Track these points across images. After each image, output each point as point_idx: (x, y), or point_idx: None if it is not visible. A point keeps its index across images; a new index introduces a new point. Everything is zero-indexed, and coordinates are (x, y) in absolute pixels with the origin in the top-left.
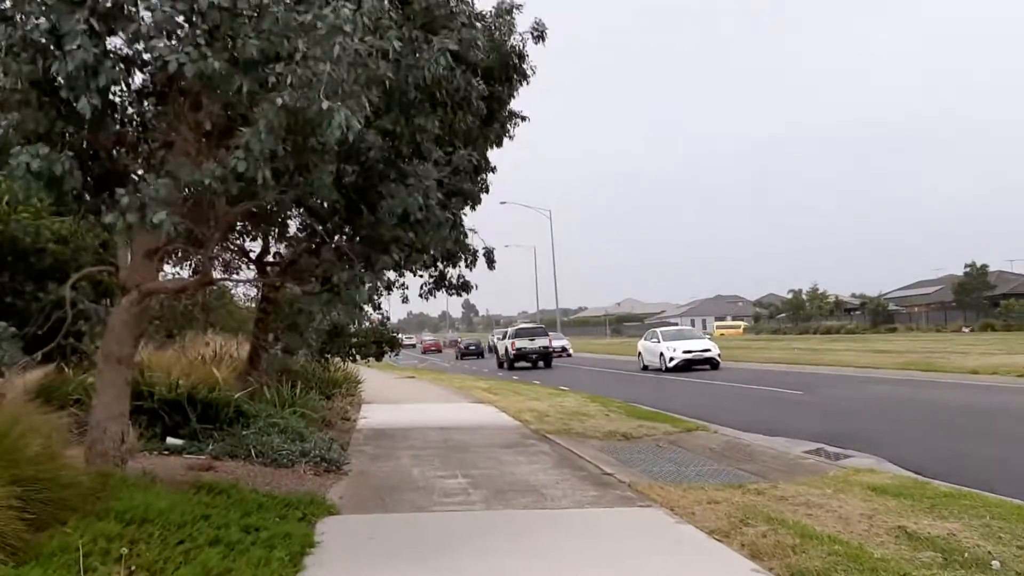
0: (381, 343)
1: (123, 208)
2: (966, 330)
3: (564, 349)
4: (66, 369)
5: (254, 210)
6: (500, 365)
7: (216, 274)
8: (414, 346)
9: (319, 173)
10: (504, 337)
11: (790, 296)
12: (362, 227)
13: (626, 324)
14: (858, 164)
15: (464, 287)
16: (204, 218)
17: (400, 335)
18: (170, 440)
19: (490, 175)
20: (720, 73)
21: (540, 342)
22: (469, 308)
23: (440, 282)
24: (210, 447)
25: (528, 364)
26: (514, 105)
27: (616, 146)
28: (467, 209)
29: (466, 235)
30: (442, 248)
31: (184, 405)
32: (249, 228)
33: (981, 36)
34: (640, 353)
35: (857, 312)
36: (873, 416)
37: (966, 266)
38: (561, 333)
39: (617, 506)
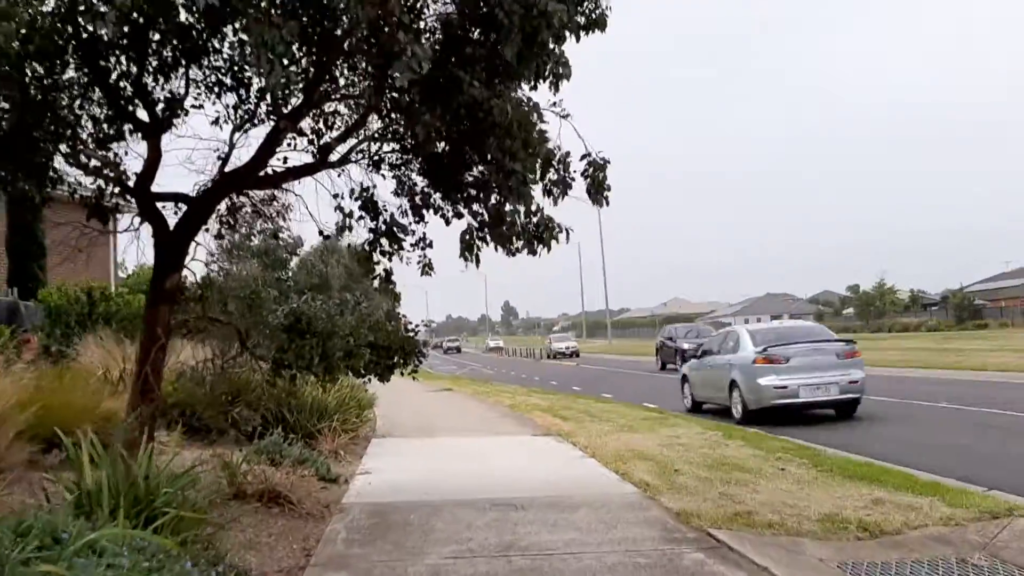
0: (390, 349)
1: None
2: None
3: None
4: None
5: None
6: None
7: None
8: (458, 350)
9: None
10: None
11: (848, 292)
12: None
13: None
14: (896, 162)
15: (545, 236)
16: None
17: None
18: None
19: None
20: (763, 71)
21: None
22: (509, 311)
23: (495, 225)
24: None
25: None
26: None
27: (655, 146)
28: None
29: None
30: None
31: None
32: None
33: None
34: None
35: (935, 307)
36: None
37: None
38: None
39: None
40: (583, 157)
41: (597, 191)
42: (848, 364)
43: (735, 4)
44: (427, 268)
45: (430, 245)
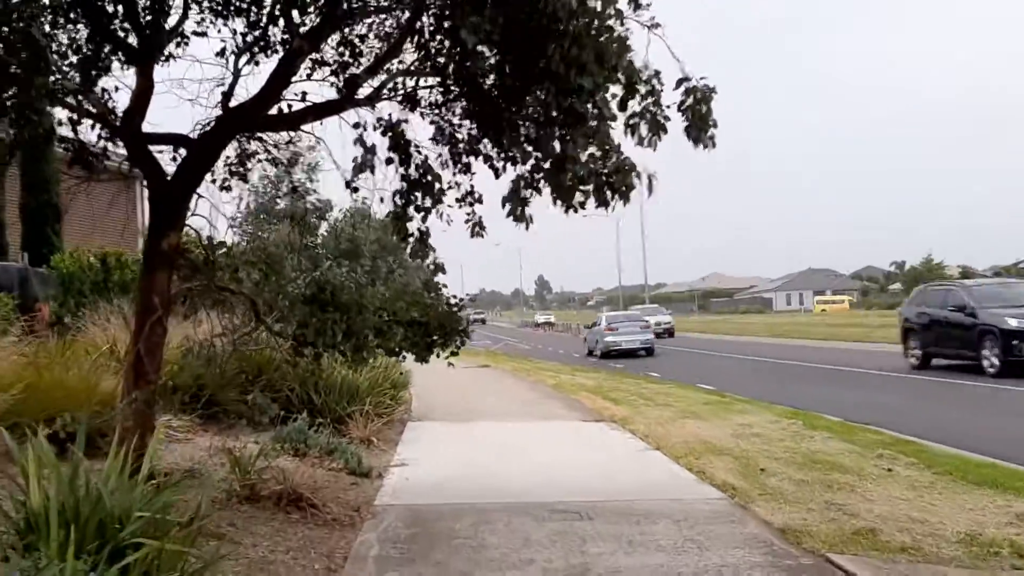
0: (428, 326)
1: None
2: None
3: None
4: None
5: None
6: None
7: None
8: (483, 322)
9: None
10: None
11: (892, 268)
12: None
13: (714, 300)
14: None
15: (625, 183)
16: None
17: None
18: None
19: None
20: (810, 46)
21: None
22: (542, 285)
23: (557, 171)
24: None
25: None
26: None
27: None
28: None
29: None
30: None
31: None
32: None
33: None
34: None
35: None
36: None
37: None
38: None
39: None
40: (679, 84)
41: (699, 128)
42: (646, 331)
43: None
44: (477, 228)
45: (479, 200)
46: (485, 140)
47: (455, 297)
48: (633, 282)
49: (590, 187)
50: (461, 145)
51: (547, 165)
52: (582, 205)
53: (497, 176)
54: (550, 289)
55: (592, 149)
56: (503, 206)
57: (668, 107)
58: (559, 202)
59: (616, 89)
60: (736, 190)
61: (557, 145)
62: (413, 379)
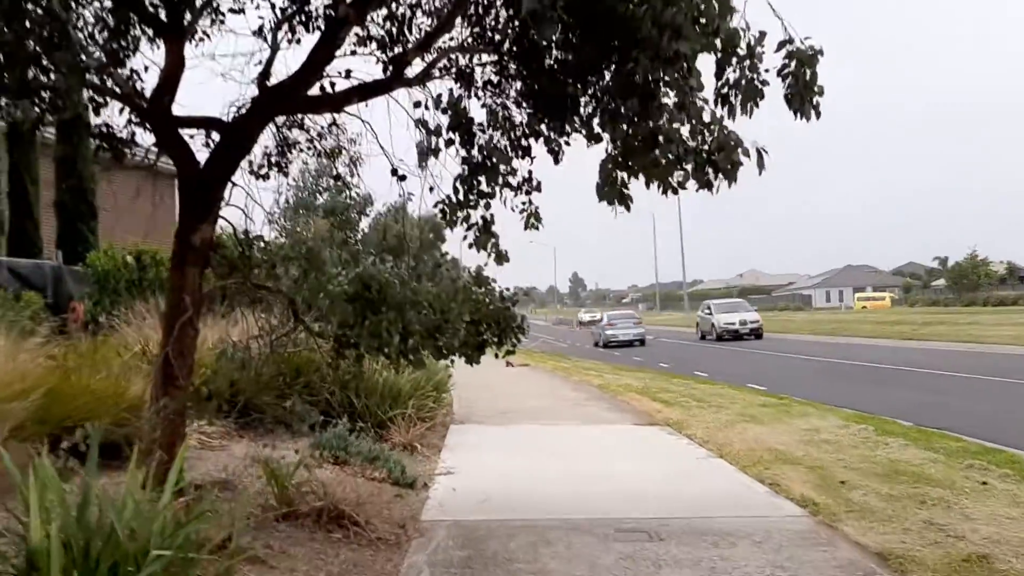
0: (479, 323)
1: None
2: None
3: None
4: None
5: None
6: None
7: None
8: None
9: None
10: None
11: (935, 264)
12: None
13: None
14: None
15: (729, 161)
16: None
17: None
18: None
19: None
20: (854, 41)
21: None
22: (577, 282)
23: (646, 149)
24: None
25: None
26: None
27: None
28: None
29: None
30: None
31: None
32: None
33: None
34: None
35: None
36: None
37: None
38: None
39: None
40: (780, 46)
41: (803, 96)
42: (638, 326)
43: None
44: (533, 219)
45: (537, 188)
46: (543, 125)
47: (508, 290)
48: (669, 279)
49: (689, 166)
50: (520, 128)
51: (634, 141)
52: (681, 186)
53: (556, 161)
54: (584, 286)
55: (679, 125)
56: (597, 194)
57: (767, 71)
58: (652, 183)
59: (705, 55)
60: (767, 186)
61: (641, 121)
62: (453, 379)
